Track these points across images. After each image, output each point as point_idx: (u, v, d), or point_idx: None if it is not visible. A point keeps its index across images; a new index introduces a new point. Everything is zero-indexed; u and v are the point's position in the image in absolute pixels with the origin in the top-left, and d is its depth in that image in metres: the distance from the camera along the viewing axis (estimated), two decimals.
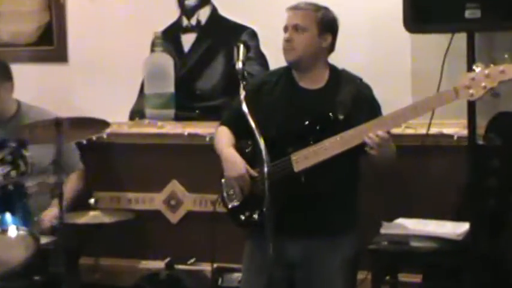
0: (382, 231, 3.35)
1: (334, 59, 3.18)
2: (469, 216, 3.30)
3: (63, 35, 4.37)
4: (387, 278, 3.47)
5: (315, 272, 3.03)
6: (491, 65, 2.76)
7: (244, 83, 2.81)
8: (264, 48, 4.05)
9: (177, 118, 4.24)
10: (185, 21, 4.21)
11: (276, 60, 3.37)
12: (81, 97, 4.32)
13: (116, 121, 4.16)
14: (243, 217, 3.07)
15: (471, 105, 3.25)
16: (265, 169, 2.63)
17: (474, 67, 2.80)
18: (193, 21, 4.20)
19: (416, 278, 3.61)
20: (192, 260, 4.13)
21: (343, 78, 3.11)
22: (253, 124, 2.68)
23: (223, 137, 3.16)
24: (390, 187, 3.73)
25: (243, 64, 2.88)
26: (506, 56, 2.78)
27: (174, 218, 4.26)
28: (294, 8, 3.11)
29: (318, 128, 2.99)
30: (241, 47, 2.92)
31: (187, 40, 4.21)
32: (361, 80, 3.15)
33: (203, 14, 4.18)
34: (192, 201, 4.21)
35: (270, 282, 2.66)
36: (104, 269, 4.11)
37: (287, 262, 3.02)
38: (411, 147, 3.66)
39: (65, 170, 3.57)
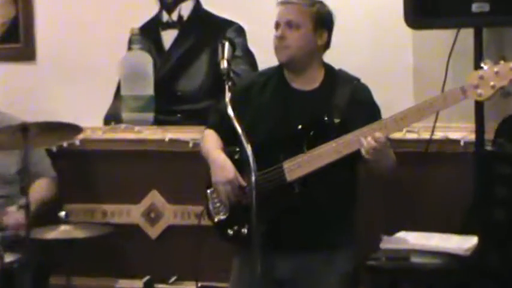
0: (382, 245, 3.35)
1: (329, 57, 3.18)
2: (477, 229, 3.30)
3: (30, 31, 4.35)
4: None
5: None
6: (502, 62, 2.76)
7: (229, 84, 2.80)
8: (252, 46, 4.05)
9: (157, 122, 4.23)
10: (165, 16, 4.20)
11: (266, 59, 3.39)
12: (50, 99, 4.30)
13: (90, 126, 4.15)
14: (230, 231, 3.06)
15: (479, 107, 3.26)
16: (253, 178, 2.61)
17: (482, 64, 2.80)
18: (175, 16, 4.19)
19: None
20: (174, 279, 4.12)
21: (340, 79, 3.12)
22: (239, 130, 2.67)
23: (211, 141, 3.17)
24: (391, 198, 3.74)
25: (229, 63, 2.87)
26: None
27: (153, 232, 4.24)
28: (286, 2, 3.10)
29: (311, 133, 2.99)
30: (227, 44, 2.91)
31: (168, 37, 4.20)
32: (358, 80, 3.15)
33: (185, 8, 4.17)
34: (173, 214, 4.19)
35: None
36: None
37: (277, 279, 3.02)
38: (413, 153, 3.68)
39: (33, 180, 3.54)
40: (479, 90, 2.77)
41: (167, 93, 4.21)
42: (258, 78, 3.22)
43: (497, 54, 3.39)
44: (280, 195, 2.95)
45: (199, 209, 3.32)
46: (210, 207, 3.12)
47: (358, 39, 3.82)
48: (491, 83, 2.75)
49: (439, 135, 3.69)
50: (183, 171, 4.01)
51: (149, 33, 4.22)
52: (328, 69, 3.15)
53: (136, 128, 4.21)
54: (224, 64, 2.86)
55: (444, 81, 3.52)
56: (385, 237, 3.39)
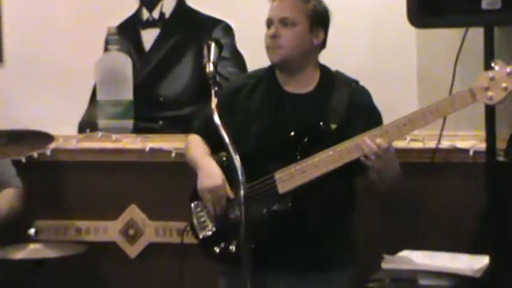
0: (384, 265, 3.34)
1: (325, 58, 3.19)
2: (488, 247, 3.29)
3: None
4: None
5: None
6: None
7: (215, 89, 2.81)
8: (240, 46, 4.05)
9: (137, 130, 4.23)
10: (146, 14, 4.21)
11: (256, 60, 3.39)
12: (19, 105, 4.29)
13: (62, 134, 4.15)
14: (217, 249, 3.07)
15: (490, 112, 3.26)
16: (241, 192, 2.61)
17: (493, 65, 2.80)
18: (156, 14, 4.20)
19: None
20: None
21: (337, 81, 3.13)
22: (226, 138, 2.67)
23: (197, 146, 3.19)
24: (393, 212, 3.74)
25: (215, 66, 2.89)
26: None
27: (132, 251, 4.23)
28: None
29: (306, 140, 3.00)
30: (213, 45, 2.93)
31: (149, 36, 4.20)
32: (357, 82, 3.17)
33: (167, 6, 4.18)
34: (154, 231, 4.19)
35: None
36: None
37: None
38: (418, 164, 3.67)
39: None
40: (489, 93, 2.77)
41: (148, 98, 4.21)
42: (247, 80, 3.23)
43: (509, 54, 3.40)
44: (271, 208, 2.95)
45: (182, 225, 3.33)
46: (195, 222, 3.13)
47: (357, 39, 3.83)
48: (503, 85, 2.76)
49: (446, 144, 3.69)
50: (165, 184, 4.01)
51: (128, 32, 4.22)
52: (324, 70, 3.17)
53: (114, 137, 4.20)
54: (210, 67, 2.89)
55: (451, 84, 3.53)
56: (387, 257, 3.38)
